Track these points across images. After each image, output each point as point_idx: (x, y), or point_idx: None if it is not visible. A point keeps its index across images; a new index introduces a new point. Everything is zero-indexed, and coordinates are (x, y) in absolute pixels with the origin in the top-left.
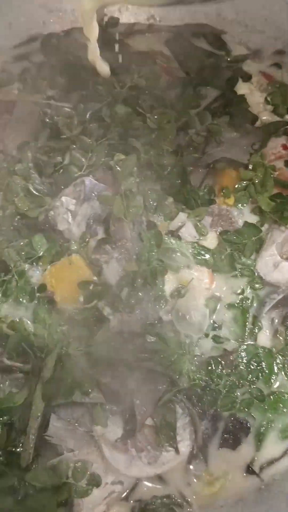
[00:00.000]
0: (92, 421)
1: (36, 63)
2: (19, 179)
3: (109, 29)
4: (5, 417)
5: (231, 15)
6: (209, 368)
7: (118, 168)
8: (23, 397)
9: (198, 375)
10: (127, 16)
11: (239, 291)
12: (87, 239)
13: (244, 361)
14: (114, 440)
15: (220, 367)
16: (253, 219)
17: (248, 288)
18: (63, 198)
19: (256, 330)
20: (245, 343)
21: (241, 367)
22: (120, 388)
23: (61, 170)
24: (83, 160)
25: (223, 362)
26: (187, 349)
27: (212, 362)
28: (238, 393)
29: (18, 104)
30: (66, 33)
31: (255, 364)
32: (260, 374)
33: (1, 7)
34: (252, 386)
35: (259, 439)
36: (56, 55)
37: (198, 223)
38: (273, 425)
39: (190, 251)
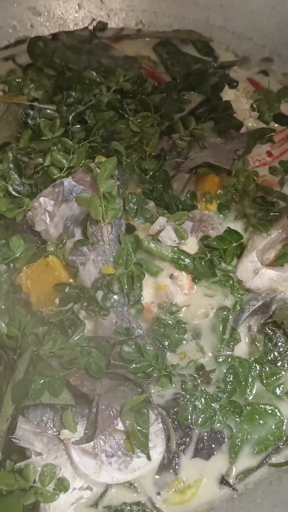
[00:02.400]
0: (61, 425)
1: (22, 65)
2: None
3: (97, 33)
4: None
5: (219, 22)
6: (185, 382)
7: (98, 170)
8: None
9: (173, 390)
10: (115, 21)
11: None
12: (64, 241)
13: (221, 373)
14: (77, 443)
15: (197, 381)
16: (235, 225)
17: (228, 294)
18: (42, 199)
19: (233, 340)
20: (222, 353)
21: (218, 379)
22: (89, 391)
23: (41, 172)
24: (64, 161)
25: (199, 374)
26: (163, 361)
27: (188, 376)
28: (217, 406)
29: (0, 105)
30: (53, 36)
31: (231, 376)
32: (236, 387)
33: None
34: (230, 398)
35: (235, 450)
36: (43, 57)
37: (178, 227)
38: (249, 436)
39: (170, 255)
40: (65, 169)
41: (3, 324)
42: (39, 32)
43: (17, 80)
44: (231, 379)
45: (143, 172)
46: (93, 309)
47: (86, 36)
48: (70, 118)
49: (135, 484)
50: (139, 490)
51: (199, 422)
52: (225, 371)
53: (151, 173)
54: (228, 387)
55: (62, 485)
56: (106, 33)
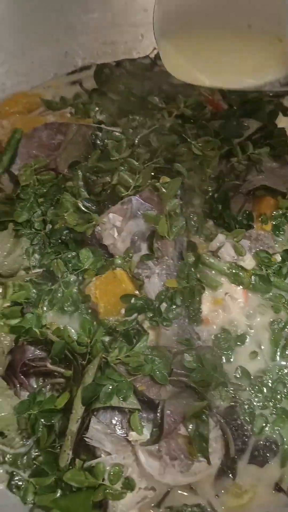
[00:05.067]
0: (129, 427)
1: (88, 90)
2: (69, 196)
3: (157, 61)
4: (46, 419)
5: None
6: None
7: (164, 190)
8: (65, 400)
9: (232, 395)
10: None
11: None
12: (131, 255)
13: (272, 381)
14: (143, 445)
15: (253, 388)
16: None
17: (282, 309)
18: (111, 215)
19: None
20: (276, 363)
21: (269, 386)
22: (154, 396)
23: (109, 190)
24: (130, 181)
25: (255, 383)
26: (222, 371)
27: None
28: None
29: (71, 127)
30: (117, 63)
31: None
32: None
33: (59, 37)
34: (277, 406)
35: (285, 457)
36: (108, 83)
37: (236, 244)
38: None
39: (228, 270)
40: (132, 187)
41: (73, 331)
42: (104, 59)
43: (83, 103)
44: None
45: (203, 193)
46: (156, 319)
47: (147, 63)
48: (136, 140)
49: (195, 487)
50: (199, 493)
51: (254, 429)
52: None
53: (210, 194)
54: (278, 395)
55: (129, 485)
56: None
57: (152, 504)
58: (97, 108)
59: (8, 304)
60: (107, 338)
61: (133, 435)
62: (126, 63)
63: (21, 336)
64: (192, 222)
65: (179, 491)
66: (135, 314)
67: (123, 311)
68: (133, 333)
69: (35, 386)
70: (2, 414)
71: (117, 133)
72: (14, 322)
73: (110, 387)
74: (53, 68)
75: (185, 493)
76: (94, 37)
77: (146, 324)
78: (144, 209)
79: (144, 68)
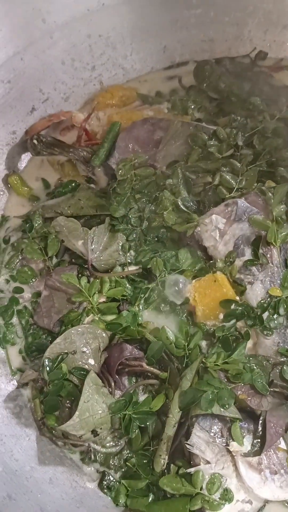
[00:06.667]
0: (229, 437)
1: (185, 86)
2: (169, 194)
3: (257, 62)
4: (140, 421)
5: None
6: None
7: (270, 194)
8: (160, 403)
9: None
10: (275, 50)
11: None
12: (232, 259)
13: None
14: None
15: None
16: None
17: None
18: (214, 216)
19: None
20: None
21: None
22: (256, 406)
23: (210, 190)
24: (233, 183)
25: None
26: None
27: None
28: None
29: (172, 123)
30: (217, 61)
31: None
32: None
33: (158, 32)
34: None
35: None
36: (207, 80)
37: None
38: None
39: None
40: (234, 190)
41: (170, 332)
42: (201, 56)
43: (180, 99)
44: None
45: None
46: (256, 328)
47: (247, 63)
48: (239, 141)
49: None
50: None
51: None
52: None
53: None
54: None
55: (227, 496)
56: (266, 62)
57: None
58: (193, 106)
59: (104, 299)
60: (203, 343)
61: (234, 445)
62: (226, 61)
63: (117, 334)
64: None
65: (275, 506)
66: (234, 320)
67: (221, 316)
68: (232, 340)
69: (127, 385)
70: (98, 412)
71: (219, 133)
72: (109, 318)
73: (211, 394)
74: (151, 62)
75: (281, 509)
76: (194, 33)
77: (244, 331)
78: (250, 213)
79: (244, 67)
